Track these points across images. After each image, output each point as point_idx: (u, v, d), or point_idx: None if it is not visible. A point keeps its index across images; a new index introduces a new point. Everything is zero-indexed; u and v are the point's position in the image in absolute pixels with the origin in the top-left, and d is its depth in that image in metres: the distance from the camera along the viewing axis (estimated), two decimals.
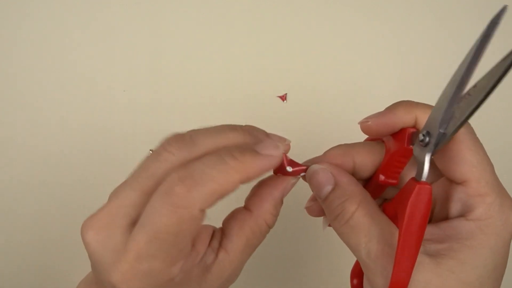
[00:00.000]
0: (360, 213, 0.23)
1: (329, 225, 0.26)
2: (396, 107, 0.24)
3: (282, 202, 0.25)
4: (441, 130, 0.21)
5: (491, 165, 0.23)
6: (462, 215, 0.23)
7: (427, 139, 0.22)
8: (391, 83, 0.48)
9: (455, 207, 0.24)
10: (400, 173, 0.25)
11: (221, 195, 0.20)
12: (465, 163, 0.23)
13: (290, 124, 0.47)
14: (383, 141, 0.26)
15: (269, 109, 0.47)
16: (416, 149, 0.23)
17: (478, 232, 0.22)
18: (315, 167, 0.25)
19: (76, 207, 0.46)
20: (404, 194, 0.22)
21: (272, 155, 0.23)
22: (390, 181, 0.25)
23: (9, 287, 0.47)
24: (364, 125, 0.25)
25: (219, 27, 0.46)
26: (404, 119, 0.24)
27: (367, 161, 0.26)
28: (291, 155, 0.28)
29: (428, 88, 0.48)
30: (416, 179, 0.22)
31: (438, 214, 0.25)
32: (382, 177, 0.25)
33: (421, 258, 0.22)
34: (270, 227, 0.25)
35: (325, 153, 0.26)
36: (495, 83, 0.19)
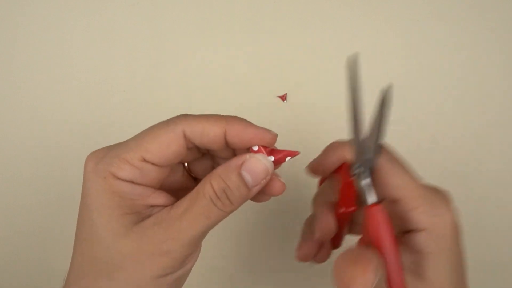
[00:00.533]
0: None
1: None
2: (327, 149, 0.28)
3: (243, 180, 0.25)
4: (366, 157, 0.25)
5: (414, 180, 0.26)
6: (410, 229, 0.26)
7: (357, 170, 0.25)
8: (392, 82, 0.48)
9: (402, 223, 0.26)
10: (355, 199, 0.27)
11: (202, 134, 0.25)
12: (390, 186, 0.26)
13: (290, 124, 0.47)
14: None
15: (269, 109, 0.47)
16: (356, 181, 0.26)
17: (428, 239, 0.25)
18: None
19: (74, 206, 0.46)
20: (364, 223, 0.25)
21: (260, 128, 0.26)
22: (349, 210, 0.28)
23: (4, 283, 0.47)
24: (309, 169, 0.29)
25: (219, 27, 0.46)
26: (334, 159, 0.28)
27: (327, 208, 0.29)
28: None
29: (429, 89, 0.48)
30: (367, 205, 0.25)
31: (397, 229, 0.27)
32: (341, 209, 0.28)
33: (409, 280, 0.25)
34: (213, 193, 0.24)
35: (318, 228, 0.29)
36: (382, 121, 0.24)
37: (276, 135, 0.26)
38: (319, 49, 0.47)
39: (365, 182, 0.25)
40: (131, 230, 0.24)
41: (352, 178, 0.26)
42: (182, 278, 0.26)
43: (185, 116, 0.25)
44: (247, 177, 0.25)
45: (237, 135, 0.25)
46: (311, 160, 0.29)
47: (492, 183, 0.47)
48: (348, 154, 0.27)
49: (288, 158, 0.26)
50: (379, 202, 0.25)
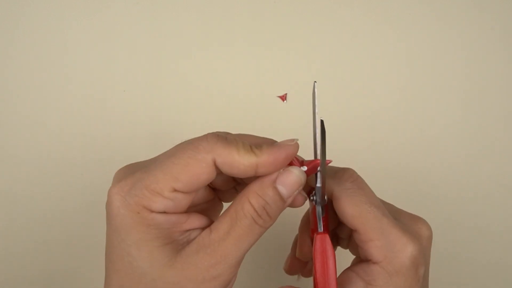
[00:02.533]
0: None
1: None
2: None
3: (279, 193, 0.25)
4: (317, 185, 0.26)
5: (372, 211, 0.26)
6: (366, 258, 0.26)
7: (314, 198, 0.27)
8: (392, 81, 0.48)
9: (361, 252, 0.27)
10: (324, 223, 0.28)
11: (232, 166, 0.24)
12: (347, 217, 0.26)
13: (290, 124, 0.47)
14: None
15: (269, 109, 0.47)
16: (313, 209, 0.27)
17: (381, 272, 0.26)
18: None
19: (76, 206, 0.46)
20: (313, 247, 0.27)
21: (287, 147, 0.26)
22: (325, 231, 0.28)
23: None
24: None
25: (219, 27, 0.46)
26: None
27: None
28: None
29: (429, 91, 0.48)
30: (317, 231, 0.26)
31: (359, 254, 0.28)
32: (312, 233, 0.28)
33: None
34: (253, 211, 0.25)
35: (298, 250, 0.31)
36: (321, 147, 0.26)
37: (297, 143, 0.26)
38: (319, 49, 0.47)
39: (319, 207, 0.26)
40: (174, 259, 0.24)
41: (313, 202, 0.27)
42: None
43: (215, 142, 0.24)
44: (282, 190, 0.25)
45: (269, 168, 0.25)
46: (312, 159, 0.28)
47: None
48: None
49: (319, 168, 0.26)
50: (326, 230, 0.26)
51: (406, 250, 0.25)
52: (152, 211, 0.24)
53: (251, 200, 0.24)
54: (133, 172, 0.25)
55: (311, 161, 0.26)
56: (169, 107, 0.46)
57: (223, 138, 0.25)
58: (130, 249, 0.24)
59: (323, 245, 0.26)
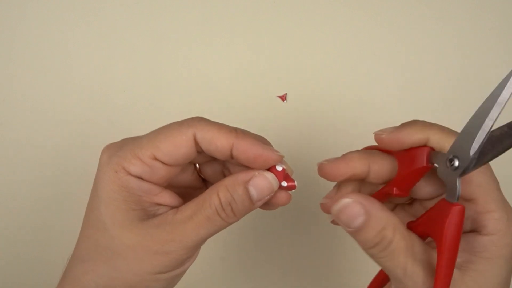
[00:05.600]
0: (397, 237, 0.24)
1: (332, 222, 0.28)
2: (411, 126, 0.26)
3: (248, 194, 0.25)
4: (473, 155, 0.23)
5: (496, 183, 0.25)
6: (474, 230, 0.25)
7: (457, 162, 0.24)
8: (393, 83, 0.48)
9: (466, 223, 0.25)
10: (412, 187, 0.27)
11: (211, 142, 0.25)
12: (472, 183, 0.25)
13: (290, 124, 0.47)
14: (392, 154, 0.28)
15: (269, 109, 0.47)
16: (441, 171, 0.25)
17: (490, 245, 0.24)
18: (343, 202, 0.25)
19: (76, 206, 0.46)
20: (436, 214, 0.24)
21: (267, 148, 0.26)
22: (404, 193, 0.27)
23: (9, 281, 0.47)
24: (378, 137, 0.27)
25: (219, 27, 0.46)
26: (416, 137, 0.25)
27: (382, 172, 0.27)
28: (292, 154, 0.28)
29: (429, 90, 0.48)
30: (449, 201, 0.24)
31: None
32: (396, 191, 0.27)
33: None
34: (219, 204, 0.25)
35: (344, 155, 0.27)
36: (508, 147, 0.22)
37: (282, 157, 0.26)
38: (320, 49, 0.47)
39: (460, 178, 0.24)
40: (135, 225, 0.25)
41: (430, 165, 0.25)
42: (178, 276, 0.28)
43: (199, 120, 0.26)
44: (253, 192, 0.25)
45: (242, 151, 0.26)
46: (293, 179, 0.28)
47: None
48: (432, 139, 0.25)
49: (294, 189, 0.27)
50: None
51: None
52: (128, 173, 0.25)
53: (220, 193, 0.25)
54: (128, 139, 0.27)
55: (291, 181, 0.27)
56: (169, 107, 0.46)
57: (209, 120, 0.26)
58: (100, 204, 0.26)
59: (462, 219, 0.23)
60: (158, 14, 0.46)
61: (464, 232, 0.25)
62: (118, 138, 0.46)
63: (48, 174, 0.46)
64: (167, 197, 0.27)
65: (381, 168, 0.27)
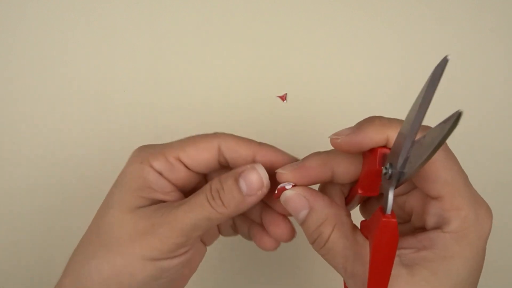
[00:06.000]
0: (335, 235, 0.25)
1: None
2: (368, 126, 0.24)
3: (237, 186, 0.26)
4: (400, 169, 0.22)
5: (465, 178, 0.24)
6: (438, 227, 0.24)
7: (390, 171, 0.22)
8: (392, 83, 0.48)
9: (431, 220, 0.24)
10: (379, 185, 0.25)
11: (234, 151, 0.28)
12: (439, 180, 0.23)
13: (290, 124, 0.47)
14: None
15: (269, 109, 0.47)
16: (382, 178, 0.23)
17: (453, 243, 0.23)
18: (288, 193, 0.26)
19: (76, 206, 0.46)
20: (372, 223, 0.23)
21: (286, 155, 0.28)
22: (370, 193, 0.26)
23: (10, 283, 0.47)
24: (334, 142, 0.25)
25: (219, 27, 0.46)
26: (375, 139, 0.24)
27: (347, 173, 0.27)
28: (292, 154, 0.28)
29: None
30: (383, 211, 0.22)
31: (414, 224, 0.26)
32: (360, 191, 0.26)
33: (396, 270, 0.23)
34: (209, 190, 0.26)
35: (303, 161, 0.27)
36: (438, 145, 0.19)
37: (298, 168, 0.27)
38: (320, 49, 0.47)
39: (392, 189, 0.22)
40: (137, 209, 0.27)
41: (381, 168, 0.24)
42: (166, 272, 0.27)
43: (223, 133, 0.29)
44: (242, 184, 0.26)
45: (264, 157, 0.27)
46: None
47: None
48: (392, 138, 0.24)
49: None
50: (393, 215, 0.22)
51: (487, 226, 0.24)
52: (151, 166, 0.27)
53: (212, 182, 0.27)
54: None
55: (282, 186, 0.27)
56: (169, 107, 0.46)
57: (231, 134, 0.29)
58: (115, 188, 0.28)
59: (389, 232, 0.22)
60: (158, 14, 0.46)
61: (428, 229, 0.24)
62: (118, 138, 0.46)
63: (47, 174, 0.46)
64: (177, 197, 0.28)
65: (345, 171, 0.26)
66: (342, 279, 0.27)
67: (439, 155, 0.23)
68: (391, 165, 0.22)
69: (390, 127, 0.24)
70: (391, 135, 0.24)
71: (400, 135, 0.22)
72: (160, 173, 0.28)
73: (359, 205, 0.30)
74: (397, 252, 0.23)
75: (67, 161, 0.46)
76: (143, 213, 0.27)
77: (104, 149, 0.46)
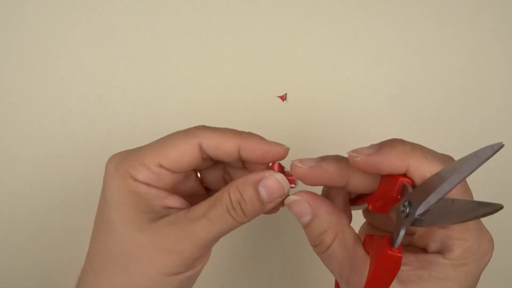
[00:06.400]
0: (336, 244, 0.25)
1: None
2: (390, 151, 0.24)
3: (258, 195, 0.26)
4: (418, 216, 0.22)
5: None
6: (440, 252, 0.24)
7: (408, 211, 0.22)
8: (392, 83, 0.48)
9: (434, 245, 0.25)
10: (391, 208, 0.25)
11: (218, 148, 0.26)
12: None
13: (290, 124, 0.47)
14: None
15: (269, 109, 0.47)
16: (397, 211, 0.23)
17: (451, 269, 0.24)
18: (291, 198, 0.26)
19: (75, 206, 0.46)
20: (378, 247, 0.23)
21: (273, 143, 0.26)
22: (379, 211, 0.26)
23: (12, 285, 0.47)
24: (352, 160, 0.25)
25: (219, 27, 0.46)
26: (396, 166, 0.23)
27: (361, 186, 0.26)
28: (292, 154, 0.28)
29: (429, 91, 0.48)
30: (392, 242, 0.22)
31: (415, 242, 0.26)
32: (370, 207, 0.26)
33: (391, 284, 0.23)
34: (229, 202, 0.26)
35: (322, 162, 0.26)
36: (464, 221, 0.20)
37: (288, 149, 0.27)
38: (320, 49, 0.47)
39: (404, 228, 0.22)
40: (147, 226, 0.26)
41: (400, 197, 0.23)
42: (191, 279, 0.28)
43: (203, 128, 0.27)
44: (263, 193, 0.26)
45: (250, 151, 0.26)
46: (289, 173, 0.27)
47: None
48: (413, 167, 0.23)
49: (297, 181, 0.27)
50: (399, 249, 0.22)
51: (487, 258, 0.24)
52: (136, 180, 0.26)
53: (231, 192, 0.26)
54: (134, 149, 0.27)
55: (289, 175, 0.27)
56: (169, 107, 0.46)
57: (211, 126, 0.27)
58: (110, 209, 0.26)
59: (395, 267, 0.22)
60: (158, 14, 0.46)
61: (429, 252, 0.25)
62: (117, 138, 0.46)
63: (47, 174, 0.46)
64: (177, 200, 0.27)
65: (361, 184, 0.26)
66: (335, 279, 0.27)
67: (457, 189, 0.23)
68: (410, 204, 0.22)
69: (413, 156, 0.23)
70: (412, 164, 0.23)
71: (430, 181, 0.22)
72: (148, 184, 0.26)
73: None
74: None
75: (67, 161, 0.46)
76: (157, 228, 0.25)
77: (104, 149, 0.46)
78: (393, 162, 0.23)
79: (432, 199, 0.21)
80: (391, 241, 0.22)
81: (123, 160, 0.26)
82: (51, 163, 0.46)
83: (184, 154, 0.26)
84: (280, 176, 0.26)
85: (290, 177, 0.27)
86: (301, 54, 0.47)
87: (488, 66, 0.48)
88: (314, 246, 0.26)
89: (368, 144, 0.27)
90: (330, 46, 0.47)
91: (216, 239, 0.26)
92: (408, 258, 0.25)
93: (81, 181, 0.46)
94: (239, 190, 0.26)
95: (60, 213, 0.46)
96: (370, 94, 0.48)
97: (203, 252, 0.26)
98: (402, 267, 0.24)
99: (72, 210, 0.46)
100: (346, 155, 0.25)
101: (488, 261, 0.24)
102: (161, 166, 0.26)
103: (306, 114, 0.47)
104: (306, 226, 0.26)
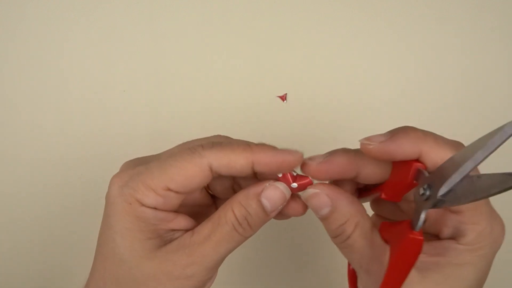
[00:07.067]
0: (357, 233, 0.25)
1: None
2: (403, 137, 0.24)
3: (262, 206, 0.25)
4: (440, 197, 0.22)
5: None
6: (453, 238, 0.25)
7: (428, 193, 0.22)
8: (392, 83, 0.48)
9: (447, 231, 0.25)
10: (404, 195, 0.26)
11: (229, 166, 0.25)
12: None
13: (290, 124, 0.47)
14: None
15: (269, 109, 0.47)
16: (416, 193, 0.23)
17: (466, 253, 0.24)
18: (310, 191, 0.26)
19: (76, 206, 0.46)
20: (398, 232, 0.24)
21: (286, 152, 0.25)
22: (393, 199, 0.26)
23: (10, 286, 0.47)
24: (365, 148, 0.25)
25: (219, 27, 0.46)
26: (408, 152, 0.24)
27: (372, 176, 0.26)
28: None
29: (429, 91, 0.48)
30: (412, 226, 0.23)
31: (427, 230, 0.27)
32: (383, 196, 0.26)
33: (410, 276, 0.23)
34: (235, 219, 0.25)
35: (331, 156, 0.26)
36: (493, 194, 0.20)
37: (301, 155, 0.26)
38: (320, 48, 0.47)
39: (425, 212, 0.22)
40: (154, 253, 0.25)
41: (416, 183, 0.24)
42: None
43: (210, 148, 0.25)
44: (266, 203, 0.25)
45: (264, 165, 0.25)
46: (303, 176, 0.27)
47: None
48: (425, 153, 0.23)
49: (310, 186, 0.26)
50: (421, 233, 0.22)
51: (500, 241, 0.25)
52: (143, 205, 0.25)
53: (234, 209, 0.25)
54: (136, 165, 0.26)
55: (302, 178, 0.26)
56: (169, 107, 0.46)
57: (218, 143, 0.26)
58: (115, 236, 0.25)
59: (414, 249, 0.22)
60: (158, 14, 0.46)
61: (442, 238, 0.25)
62: (117, 138, 0.46)
63: (47, 174, 0.46)
64: (182, 221, 0.27)
65: (371, 174, 0.26)
66: (346, 279, 0.27)
67: None
68: (429, 187, 0.22)
69: (425, 141, 0.24)
70: (424, 150, 0.23)
71: (449, 162, 0.22)
72: (155, 208, 0.25)
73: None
74: None
75: (67, 161, 0.46)
76: (164, 256, 0.25)
77: (104, 149, 0.46)
78: (406, 148, 0.23)
79: (456, 178, 0.21)
80: (411, 226, 0.23)
81: (128, 183, 0.25)
82: (51, 163, 0.46)
83: (192, 177, 0.25)
84: (280, 184, 0.26)
85: (305, 181, 0.26)
86: (301, 54, 0.47)
87: (488, 66, 0.48)
88: (334, 237, 0.26)
89: None
90: (330, 46, 0.47)
91: (224, 257, 0.26)
92: (423, 247, 0.24)
93: (81, 181, 0.46)
94: (243, 204, 0.25)
95: (60, 213, 0.46)
96: (370, 94, 0.48)
97: (213, 273, 0.26)
98: (420, 256, 0.24)
99: (72, 210, 0.46)
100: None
101: (500, 245, 0.25)
102: (168, 189, 0.25)
103: (306, 114, 0.47)
104: (325, 218, 0.25)
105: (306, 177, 0.26)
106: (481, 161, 0.20)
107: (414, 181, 0.24)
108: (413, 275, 0.24)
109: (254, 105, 0.47)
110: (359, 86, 0.48)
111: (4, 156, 0.46)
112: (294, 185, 0.26)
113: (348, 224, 0.25)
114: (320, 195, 0.25)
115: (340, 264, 0.29)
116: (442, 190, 0.21)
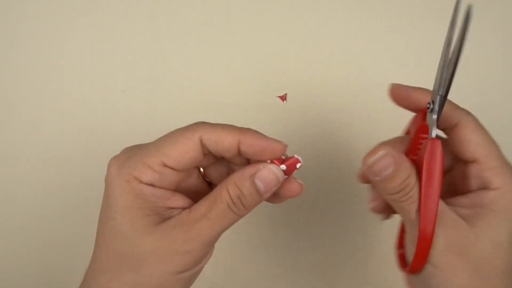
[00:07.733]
0: (416, 184, 0.27)
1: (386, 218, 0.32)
2: (413, 88, 0.31)
3: (255, 187, 0.27)
4: (440, 94, 0.27)
5: (496, 144, 0.28)
6: (482, 187, 0.27)
7: (431, 106, 0.27)
8: (391, 81, 0.48)
9: (474, 183, 0.28)
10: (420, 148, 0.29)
11: (218, 142, 0.27)
12: (471, 143, 0.27)
13: (290, 124, 0.47)
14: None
15: (269, 109, 0.47)
16: (427, 118, 0.28)
17: (498, 198, 0.27)
18: (380, 154, 0.27)
19: (75, 207, 0.46)
20: (420, 153, 0.27)
21: (272, 139, 0.27)
22: (412, 157, 0.29)
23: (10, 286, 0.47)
24: (392, 88, 0.32)
25: (219, 26, 0.46)
26: (420, 99, 0.29)
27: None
28: (292, 154, 0.28)
29: (430, 89, 0.48)
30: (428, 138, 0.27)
31: (460, 190, 0.29)
32: (410, 156, 0.29)
33: (457, 221, 0.27)
34: (229, 199, 0.27)
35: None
36: (461, 41, 0.26)
37: (286, 146, 0.28)
38: (320, 49, 0.47)
39: (435, 115, 0.27)
40: (154, 229, 0.26)
41: (426, 124, 0.28)
42: (196, 274, 0.29)
43: (202, 124, 0.27)
44: (260, 185, 0.27)
45: (250, 146, 0.27)
46: (290, 156, 0.29)
47: None
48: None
49: (299, 164, 0.28)
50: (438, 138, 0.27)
51: None
52: (140, 182, 0.26)
53: (229, 188, 0.27)
54: (134, 149, 0.28)
55: (289, 158, 0.28)
56: (169, 107, 0.46)
57: (211, 122, 0.28)
58: (116, 214, 0.26)
59: (434, 149, 0.26)
60: (158, 14, 0.46)
61: (473, 191, 0.28)
62: (117, 138, 0.46)
63: (47, 174, 0.46)
64: (179, 200, 0.28)
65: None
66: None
67: (468, 122, 0.28)
68: (432, 101, 0.28)
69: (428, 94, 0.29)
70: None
71: (437, 70, 0.27)
72: (152, 185, 0.27)
73: None
74: (453, 208, 0.27)
75: (67, 161, 0.46)
76: (163, 232, 0.26)
77: (104, 149, 0.46)
78: (418, 96, 0.30)
79: (445, 75, 0.27)
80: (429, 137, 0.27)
81: (125, 162, 0.27)
82: (50, 163, 0.46)
83: (185, 151, 0.27)
84: (274, 166, 0.27)
85: (291, 160, 0.28)
86: (301, 54, 0.47)
87: (488, 66, 0.48)
88: (397, 192, 0.27)
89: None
90: (330, 46, 0.47)
91: (220, 234, 0.27)
92: (461, 200, 0.28)
93: (81, 181, 0.46)
94: (237, 185, 0.27)
95: (60, 213, 0.46)
96: (370, 93, 0.48)
97: (209, 248, 0.28)
98: (462, 210, 0.27)
99: (72, 210, 0.46)
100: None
101: None
102: (164, 165, 0.26)
103: (306, 114, 0.47)
104: (388, 178, 0.27)
105: (291, 157, 0.28)
106: (458, 50, 0.26)
107: (426, 122, 0.28)
108: (461, 223, 0.26)
109: (254, 105, 0.47)
110: (359, 86, 0.48)
111: (4, 156, 0.46)
112: (283, 167, 0.27)
113: (412, 177, 0.27)
114: (388, 156, 0.27)
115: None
116: (440, 91, 0.27)
